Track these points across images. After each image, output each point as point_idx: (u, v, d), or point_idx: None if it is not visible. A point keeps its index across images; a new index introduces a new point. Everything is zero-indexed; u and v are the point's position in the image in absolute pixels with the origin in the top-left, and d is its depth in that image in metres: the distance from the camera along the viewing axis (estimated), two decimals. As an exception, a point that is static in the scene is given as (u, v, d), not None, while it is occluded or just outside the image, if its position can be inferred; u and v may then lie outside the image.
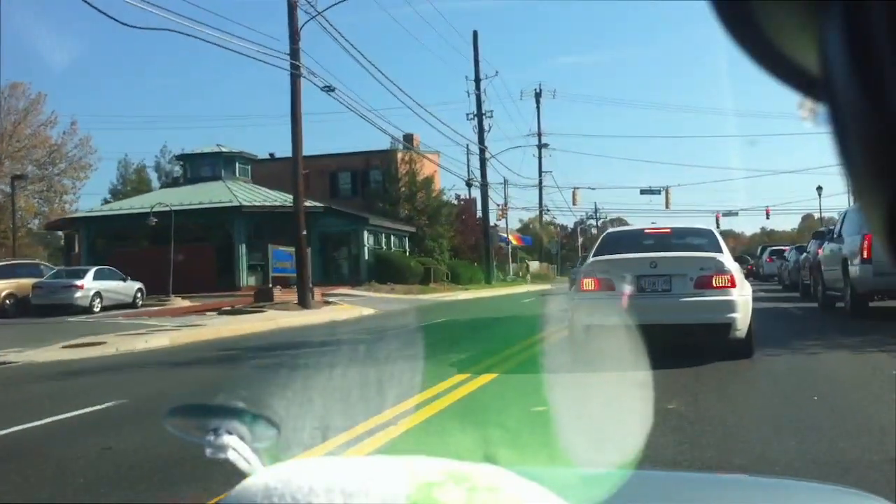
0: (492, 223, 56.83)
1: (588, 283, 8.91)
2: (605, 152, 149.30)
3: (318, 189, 46.26)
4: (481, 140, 47.93)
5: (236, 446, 0.67)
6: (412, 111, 72.32)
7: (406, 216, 42.82)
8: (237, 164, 37.82)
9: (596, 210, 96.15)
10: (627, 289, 8.67)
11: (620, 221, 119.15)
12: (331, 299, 27.42)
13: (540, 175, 78.45)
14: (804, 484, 1.78)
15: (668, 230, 10.47)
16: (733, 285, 8.58)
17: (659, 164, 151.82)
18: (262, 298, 23.93)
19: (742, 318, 8.50)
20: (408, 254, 40.88)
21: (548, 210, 79.83)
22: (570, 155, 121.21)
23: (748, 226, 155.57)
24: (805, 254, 22.11)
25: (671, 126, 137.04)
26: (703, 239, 9.76)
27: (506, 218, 73.04)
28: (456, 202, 52.17)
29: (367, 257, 35.78)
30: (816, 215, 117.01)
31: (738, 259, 10.44)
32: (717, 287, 8.56)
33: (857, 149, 0.37)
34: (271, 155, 48.55)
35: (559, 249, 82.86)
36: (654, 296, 8.67)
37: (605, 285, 8.81)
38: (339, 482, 0.52)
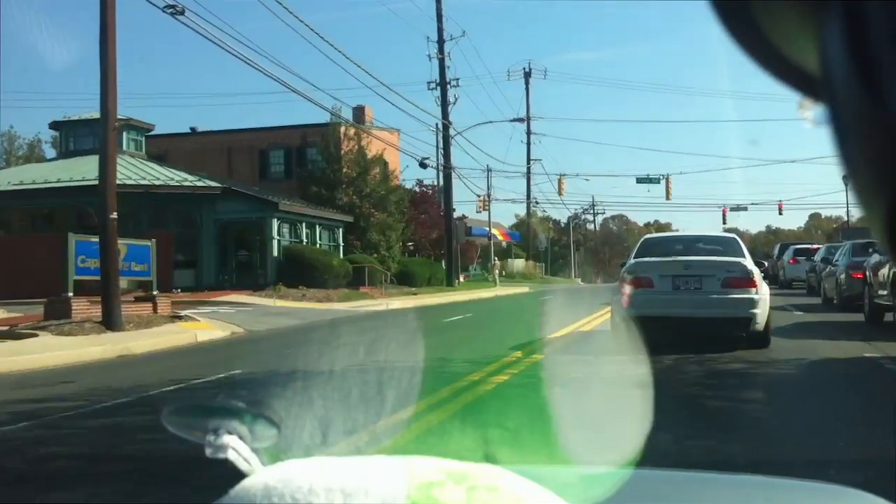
0: (460, 214, 48.90)
1: (630, 281, 10.44)
2: (600, 139, 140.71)
3: (243, 170, 38.40)
4: (444, 113, 39.99)
5: (236, 446, 0.65)
6: (373, 91, 64.53)
7: (347, 203, 34.91)
8: (124, 136, 29.83)
9: (593, 204, 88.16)
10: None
11: (622, 219, 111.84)
12: (191, 312, 19.59)
13: (528, 162, 70.47)
14: (804, 484, 1.74)
15: (697, 236, 12.61)
16: (754, 286, 10.16)
17: (658, 153, 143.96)
18: (56, 314, 16.08)
19: (761, 313, 10.03)
20: (340, 249, 32.94)
21: (536, 202, 71.74)
22: (564, 143, 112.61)
23: (753, 223, 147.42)
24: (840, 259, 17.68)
25: (673, 110, 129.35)
26: (729, 245, 11.40)
27: (488, 209, 65.34)
28: (418, 189, 44.23)
29: (275, 253, 27.85)
30: (824, 213, 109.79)
31: (757, 263, 11.38)
32: (741, 287, 10.10)
33: (857, 149, 0.37)
34: (192, 129, 40.70)
35: (548, 245, 74.69)
36: (687, 293, 10.25)
37: (645, 283, 10.36)
38: (339, 482, 0.52)
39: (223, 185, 27.94)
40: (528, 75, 72.96)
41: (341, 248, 32.94)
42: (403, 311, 23.37)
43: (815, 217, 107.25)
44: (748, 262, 10.52)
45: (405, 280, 36.45)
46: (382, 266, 34.82)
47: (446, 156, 39.92)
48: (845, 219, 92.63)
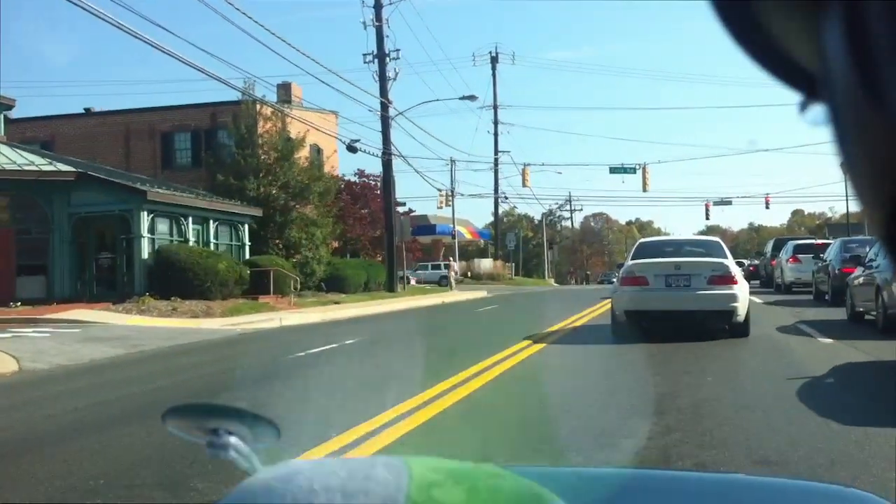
0: (405, 209, 43.13)
1: (628, 280, 11.64)
2: (575, 130, 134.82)
3: (143, 156, 32.52)
4: (383, 90, 34.24)
5: (237, 446, 0.67)
6: (306, 72, 58.42)
7: (263, 195, 29.11)
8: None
9: (570, 200, 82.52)
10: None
11: (602, 216, 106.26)
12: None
13: (496, 153, 64.70)
14: (804, 484, 1.78)
15: (686, 240, 14.14)
16: (735, 283, 11.33)
17: (637, 143, 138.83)
18: None
19: (741, 307, 11.18)
20: (246, 249, 27.10)
21: (506, 197, 66.02)
22: (536, 135, 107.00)
23: (735, 220, 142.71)
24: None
25: (650, 97, 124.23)
26: (713, 247, 12.67)
27: (452, 205, 59.61)
28: (358, 180, 38.43)
29: (145, 255, 21.96)
30: (807, 210, 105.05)
31: (738, 263, 13.35)
32: (724, 284, 11.25)
33: (857, 149, 0.37)
34: (87, 110, 34.74)
35: (518, 244, 69.03)
36: (677, 290, 11.37)
37: (640, 282, 11.51)
38: (339, 482, 0.53)
39: (78, 169, 22.02)
40: (494, 60, 67.34)
41: (247, 247, 27.12)
42: (289, 331, 17.68)
43: (797, 213, 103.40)
44: (730, 262, 11.94)
45: (336, 285, 30.71)
46: (301, 270, 29.06)
47: (385, 140, 34.17)
48: (829, 214, 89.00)
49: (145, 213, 22.00)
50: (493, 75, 66.59)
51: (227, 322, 19.27)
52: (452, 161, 57.30)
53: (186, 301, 21.00)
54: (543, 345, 11.49)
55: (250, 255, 26.80)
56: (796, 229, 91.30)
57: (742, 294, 11.29)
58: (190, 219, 24.07)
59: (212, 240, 24.95)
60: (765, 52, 0.41)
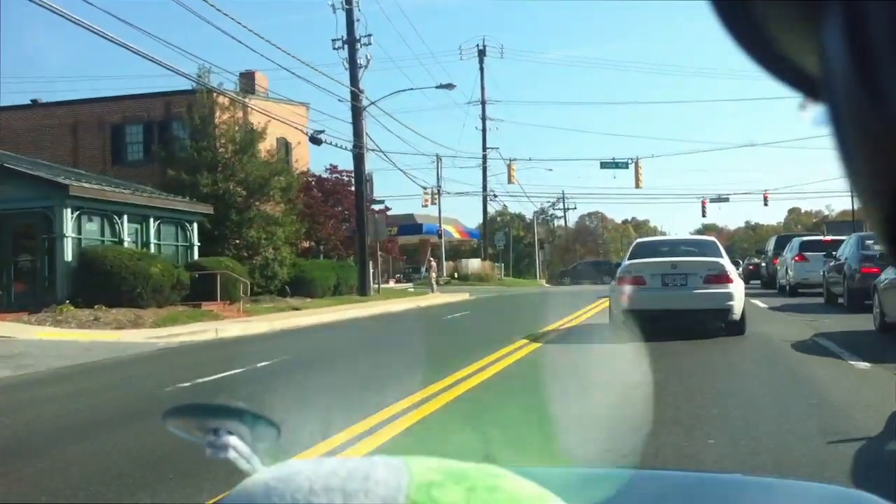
0: (381, 206, 40.61)
1: (625, 280, 11.73)
2: (564, 126, 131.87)
3: (92, 150, 29.98)
4: (353, 78, 31.70)
5: (236, 446, 0.66)
6: (280, 66, 55.50)
7: (216, 190, 26.57)
8: None
9: (563, 199, 79.91)
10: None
11: (597, 215, 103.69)
12: None
13: (484, 149, 62.08)
14: (804, 484, 1.76)
15: (681, 240, 14.69)
16: (731, 282, 11.48)
17: (631, 139, 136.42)
18: None
19: (737, 305, 11.30)
20: (194, 250, 24.53)
21: (495, 195, 63.45)
22: (527, 132, 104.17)
23: (732, 219, 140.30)
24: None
25: (646, 92, 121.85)
26: (708, 247, 12.90)
27: (438, 203, 57.10)
28: (330, 176, 35.88)
29: (68, 258, 19.39)
30: (804, 208, 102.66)
31: (733, 262, 13.23)
32: (719, 283, 11.37)
33: (857, 149, 0.37)
34: (34, 101, 32.16)
35: (509, 243, 66.53)
36: (674, 289, 11.48)
37: (638, 281, 11.61)
38: (339, 482, 0.52)
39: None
40: (482, 53, 64.78)
41: (196, 248, 24.53)
42: (218, 345, 15.17)
43: (794, 211, 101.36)
44: (725, 261, 12.10)
45: (302, 289, 28.18)
46: (261, 272, 26.54)
47: (356, 131, 31.62)
48: (825, 212, 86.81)
49: (69, 210, 19.41)
50: (481, 69, 64.07)
51: (153, 334, 16.73)
52: (438, 158, 54.85)
53: (113, 309, 18.46)
54: (506, 363, 8.97)
55: (202, 256, 24.26)
56: (793, 227, 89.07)
57: (738, 293, 11.50)
58: (125, 217, 21.48)
59: (152, 240, 22.37)
60: (765, 52, 0.40)
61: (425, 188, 54.63)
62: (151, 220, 22.50)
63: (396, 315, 23.00)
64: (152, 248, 22.16)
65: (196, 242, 24.46)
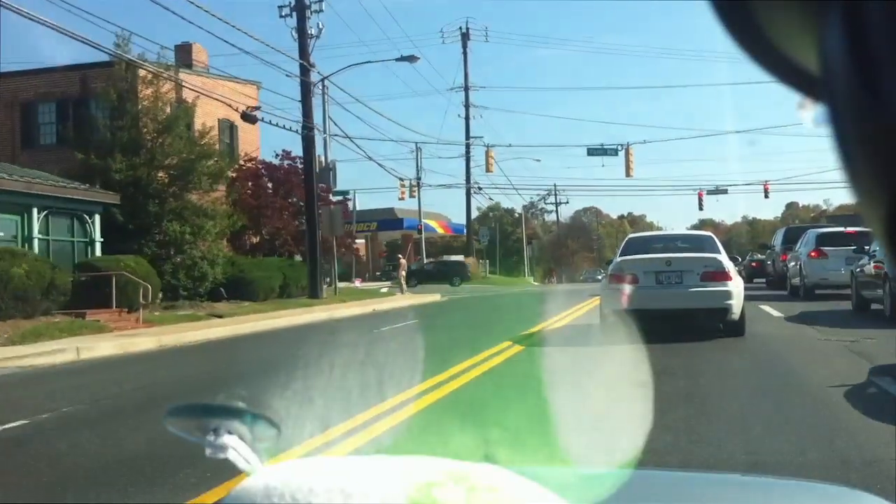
0: (339, 198, 36.61)
1: (617, 278, 11.10)
2: (553, 114, 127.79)
3: (2, 131, 26.11)
4: (303, 51, 27.77)
5: (236, 446, 0.66)
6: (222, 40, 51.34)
7: (132, 176, 22.67)
8: None
9: (555, 193, 75.93)
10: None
11: (594, 210, 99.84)
12: None
13: (467, 138, 58.10)
14: (804, 484, 1.74)
15: (677, 235, 14.35)
16: (729, 279, 10.87)
17: (624, 126, 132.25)
18: None
19: (736, 304, 10.74)
20: (96, 246, 20.62)
21: (479, 188, 59.44)
22: (515, 121, 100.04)
23: (729, 213, 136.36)
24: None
25: (636, 77, 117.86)
26: (705, 242, 12.19)
27: (418, 196, 53.15)
28: (282, 163, 31.95)
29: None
30: (801, 202, 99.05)
31: (732, 259, 12.20)
32: (717, 280, 10.77)
33: (857, 149, 0.37)
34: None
35: (495, 239, 62.59)
36: (669, 287, 10.88)
37: (630, 279, 10.94)
38: (338, 482, 0.53)
39: None
40: (465, 37, 60.71)
41: (97, 245, 20.61)
42: (62, 373, 11.32)
43: (791, 206, 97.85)
44: (723, 257, 11.38)
45: (240, 291, 24.32)
46: (188, 273, 22.68)
47: (306, 111, 27.68)
48: (823, 207, 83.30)
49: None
50: (465, 53, 60.11)
51: (-8, 355, 12.86)
52: (418, 147, 50.92)
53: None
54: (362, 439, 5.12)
55: (109, 254, 20.37)
56: (791, 222, 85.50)
57: (737, 291, 11.01)
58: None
59: (36, 235, 18.46)
60: (765, 52, 0.40)
61: (402, 179, 50.76)
62: (35, 210, 18.58)
63: (334, 323, 19.14)
64: (36, 245, 18.28)
65: (98, 238, 20.54)
